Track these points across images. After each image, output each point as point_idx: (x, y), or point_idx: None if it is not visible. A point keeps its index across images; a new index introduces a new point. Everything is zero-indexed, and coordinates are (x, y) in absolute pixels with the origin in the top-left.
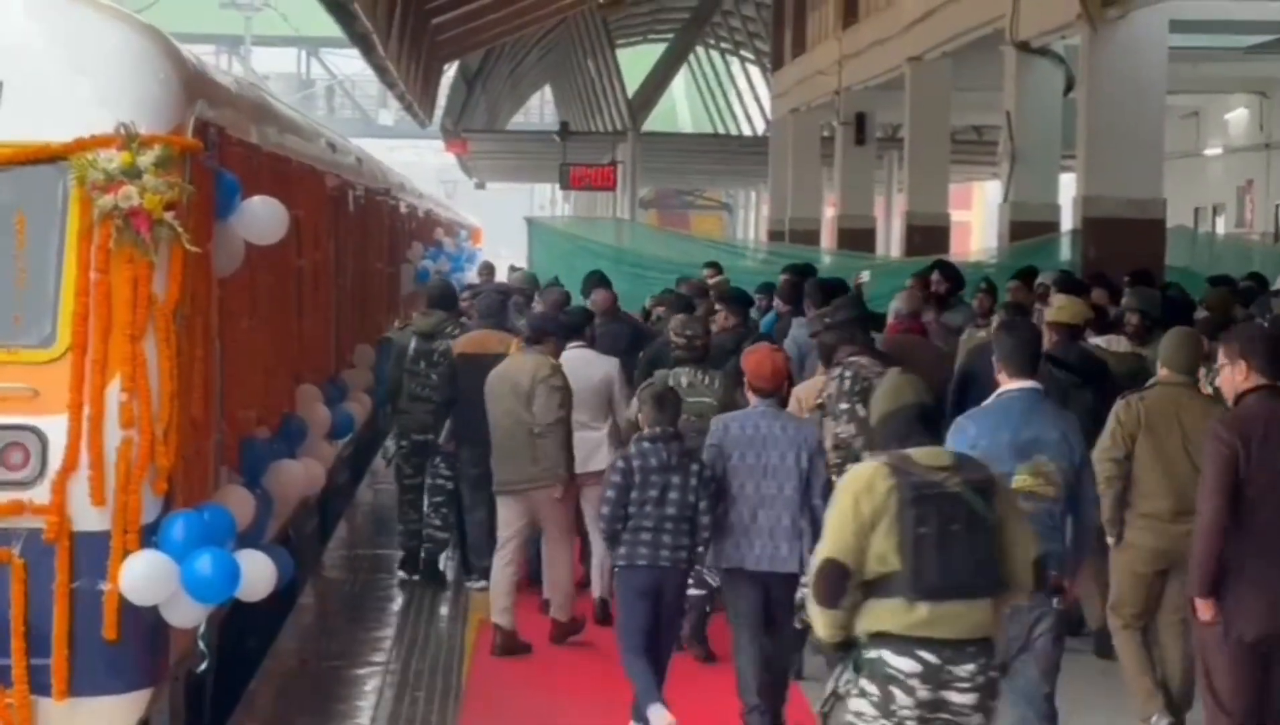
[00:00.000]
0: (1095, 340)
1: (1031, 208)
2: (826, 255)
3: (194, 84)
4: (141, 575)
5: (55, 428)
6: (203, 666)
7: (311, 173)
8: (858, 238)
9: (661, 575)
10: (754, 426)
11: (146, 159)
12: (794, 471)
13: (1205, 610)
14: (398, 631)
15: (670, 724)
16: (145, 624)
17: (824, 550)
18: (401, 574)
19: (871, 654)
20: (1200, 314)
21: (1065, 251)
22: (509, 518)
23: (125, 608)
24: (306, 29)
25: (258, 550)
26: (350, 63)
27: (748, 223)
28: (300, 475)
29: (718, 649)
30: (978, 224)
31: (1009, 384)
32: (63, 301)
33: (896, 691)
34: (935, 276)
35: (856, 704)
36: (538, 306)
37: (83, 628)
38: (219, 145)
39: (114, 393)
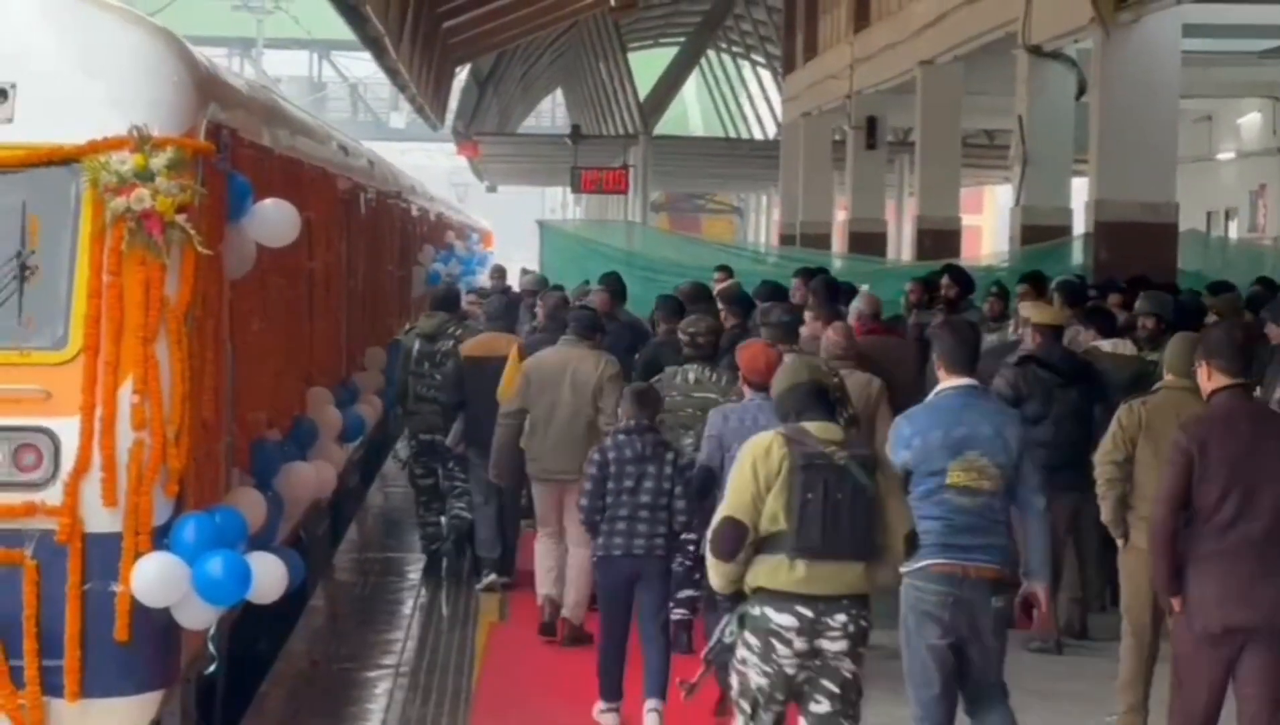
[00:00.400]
0: (1102, 344)
1: (1043, 212)
2: (837, 259)
3: (206, 86)
4: (153, 577)
5: (67, 429)
6: (211, 668)
7: (323, 175)
8: (869, 242)
9: (637, 563)
10: (751, 419)
11: (159, 161)
12: None
13: (1174, 604)
14: (408, 634)
15: (614, 719)
16: (157, 625)
17: (723, 509)
18: (413, 574)
19: (755, 610)
20: (1210, 319)
21: (1077, 256)
22: (552, 503)
23: (137, 609)
24: (318, 32)
25: (269, 552)
26: (362, 65)
27: (759, 227)
28: (311, 477)
29: None
30: (989, 228)
31: (946, 382)
32: (75, 303)
33: (776, 643)
34: (945, 280)
35: (741, 652)
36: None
37: (95, 629)
38: (231, 148)
39: (126, 394)
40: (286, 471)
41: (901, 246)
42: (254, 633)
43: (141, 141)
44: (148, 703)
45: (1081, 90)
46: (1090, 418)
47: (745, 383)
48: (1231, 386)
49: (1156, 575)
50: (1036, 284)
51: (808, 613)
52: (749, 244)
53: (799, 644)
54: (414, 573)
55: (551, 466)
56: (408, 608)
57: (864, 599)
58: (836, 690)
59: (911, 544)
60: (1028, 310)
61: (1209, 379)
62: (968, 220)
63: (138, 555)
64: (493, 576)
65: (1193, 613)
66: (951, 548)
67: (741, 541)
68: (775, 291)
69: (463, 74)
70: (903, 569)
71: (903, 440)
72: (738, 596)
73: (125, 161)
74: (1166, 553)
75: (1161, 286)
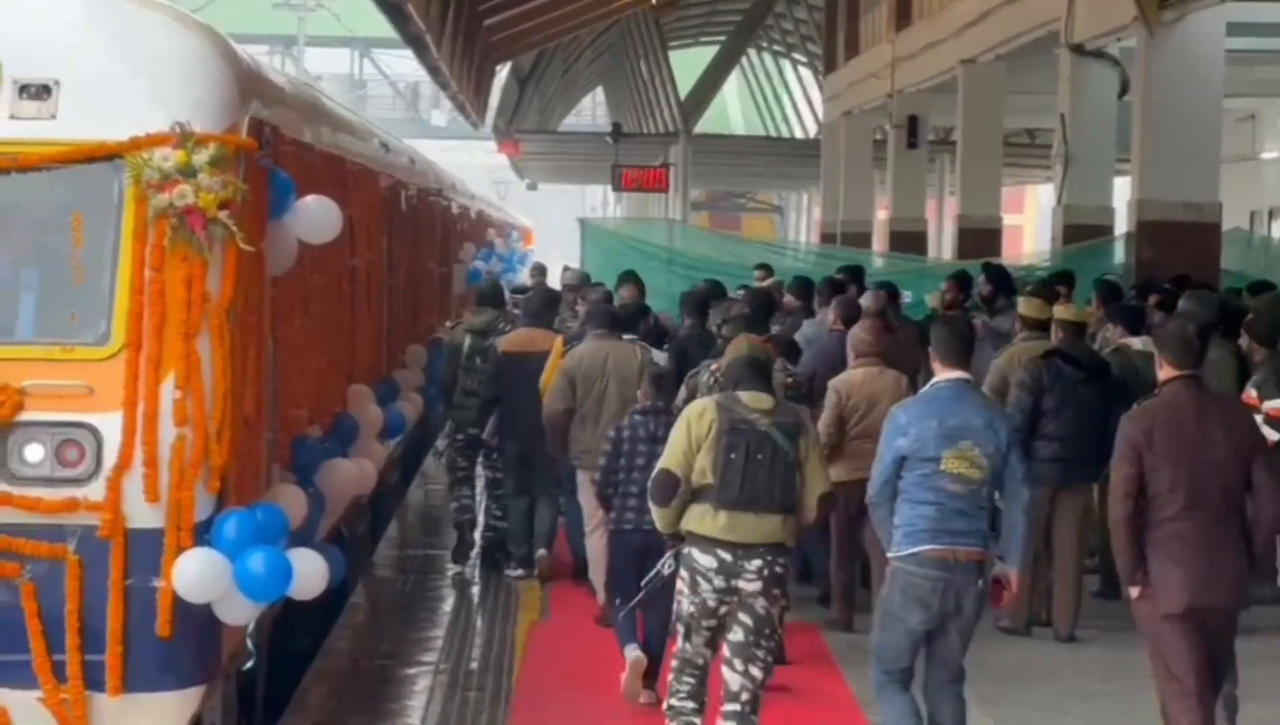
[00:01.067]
0: (1132, 342)
1: (1085, 211)
2: (878, 258)
3: (249, 83)
4: (194, 573)
5: (110, 425)
6: (250, 664)
7: (365, 172)
8: (909, 241)
9: (646, 538)
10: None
11: (201, 158)
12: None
13: (1133, 591)
14: (448, 631)
15: (638, 659)
16: (198, 621)
17: (661, 462)
18: (452, 567)
19: (686, 551)
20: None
21: (1119, 255)
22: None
23: (178, 605)
24: (360, 29)
25: (310, 549)
26: (403, 63)
27: (799, 225)
28: (352, 474)
29: None
30: (1030, 227)
31: (942, 374)
32: (118, 300)
33: (700, 580)
34: (981, 280)
35: (678, 584)
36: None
37: (136, 624)
38: (273, 144)
39: (168, 390)
40: (327, 468)
41: (942, 245)
42: (295, 629)
43: (184, 138)
44: (189, 698)
45: (1124, 89)
46: (1108, 413)
47: None
48: (1180, 377)
49: (1121, 565)
50: (1065, 283)
51: (726, 556)
52: (789, 243)
53: (718, 582)
54: (454, 570)
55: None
56: (448, 605)
57: (780, 547)
58: (750, 623)
59: (826, 504)
60: (1029, 308)
61: (1161, 370)
62: (1009, 220)
63: (179, 551)
64: (520, 571)
65: (1156, 596)
66: (943, 533)
67: (674, 490)
68: (805, 287)
69: (503, 72)
70: (892, 554)
71: (899, 429)
72: (677, 537)
73: (168, 158)
74: (1128, 542)
75: (1202, 286)
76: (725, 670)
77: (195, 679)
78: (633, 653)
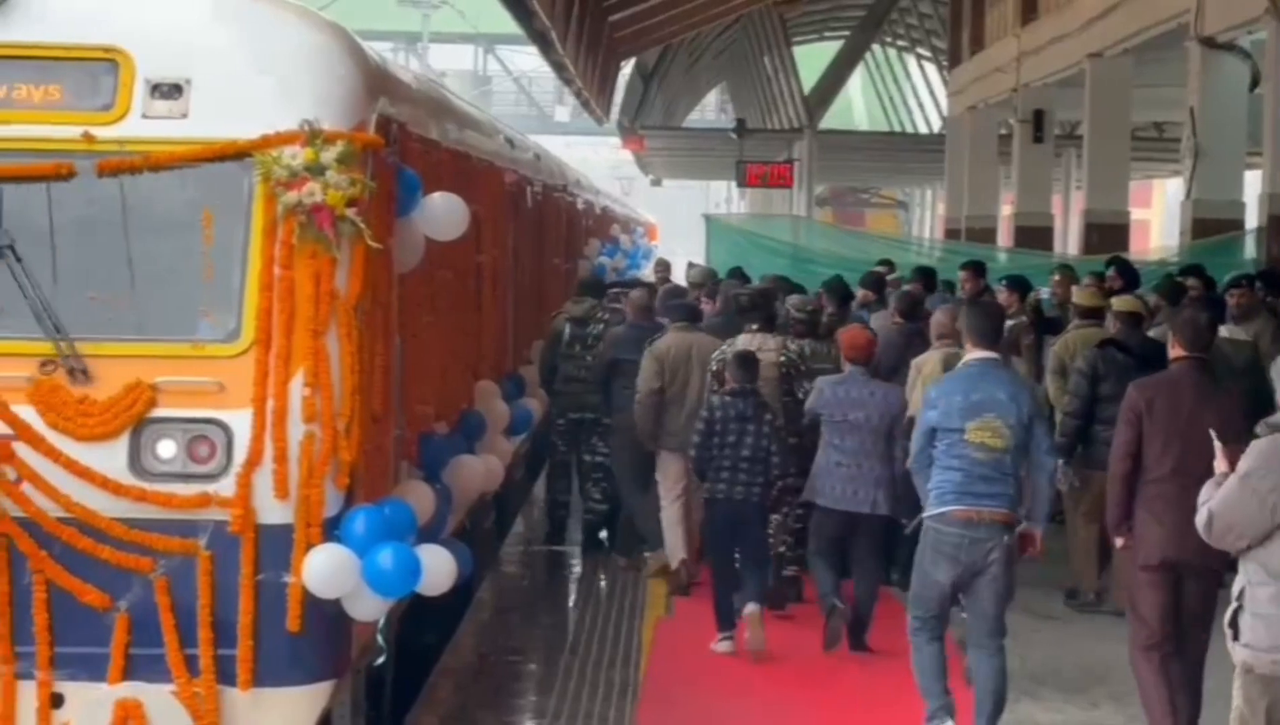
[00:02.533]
0: (1220, 330)
1: (1215, 205)
2: (1002, 253)
3: (376, 81)
4: (324, 568)
5: (240, 422)
6: (380, 660)
7: (490, 169)
8: (1035, 236)
9: (738, 506)
10: (845, 389)
11: (329, 155)
12: (879, 428)
13: (1118, 541)
14: (574, 627)
15: (729, 647)
16: (327, 617)
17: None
18: (540, 547)
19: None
20: None
21: (1250, 250)
22: (680, 473)
23: (308, 600)
24: (484, 26)
25: (437, 545)
26: (527, 59)
27: (923, 221)
28: (479, 471)
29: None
30: (1157, 222)
31: (971, 354)
32: (247, 297)
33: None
34: (1110, 273)
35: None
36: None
37: (267, 619)
38: (400, 141)
39: (297, 387)
40: (455, 464)
41: (1068, 240)
42: (422, 625)
43: (312, 136)
44: (319, 693)
45: (1255, 82)
46: None
47: (846, 359)
48: (1188, 359)
49: (1111, 517)
50: (1123, 272)
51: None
52: (913, 238)
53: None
54: (579, 566)
55: (688, 437)
56: (574, 600)
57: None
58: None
59: None
60: (1082, 296)
61: (1173, 349)
62: (1136, 214)
63: (309, 547)
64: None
65: (1137, 548)
66: (967, 495)
67: None
68: (878, 282)
69: (628, 68)
70: (925, 514)
71: (929, 403)
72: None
73: (296, 156)
74: (1120, 497)
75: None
76: None
77: (325, 674)
78: (724, 645)
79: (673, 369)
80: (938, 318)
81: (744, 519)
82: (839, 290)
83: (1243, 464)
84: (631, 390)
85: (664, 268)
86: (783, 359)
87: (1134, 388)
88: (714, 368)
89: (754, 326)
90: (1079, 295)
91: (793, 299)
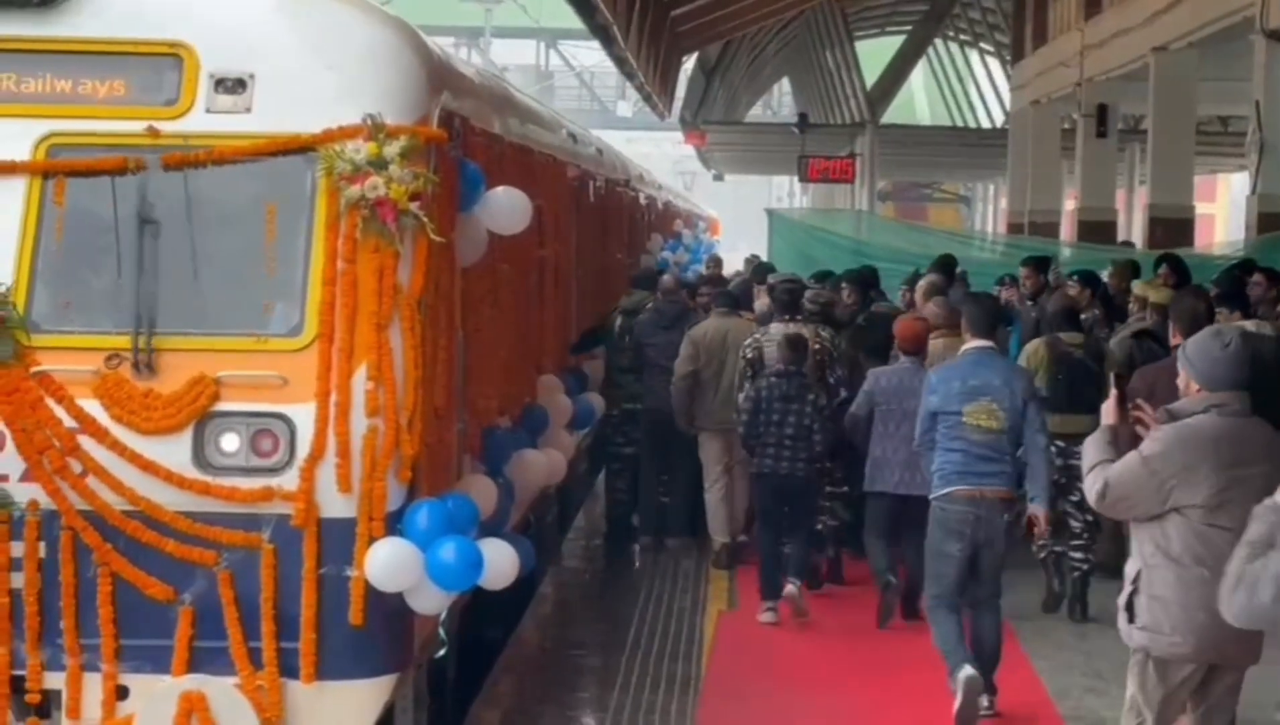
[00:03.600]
0: (1246, 324)
1: None
2: (1066, 248)
3: (438, 75)
4: (386, 562)
5: (303, 416)
6: (442, 653)
7: (553, 163)
8: (1098, 231)
9: (783, 480)
10: (898, 379)
11: (392, 150)
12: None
13: None
14: (637, 621)
15: (772, 617)
16: (390, 610)
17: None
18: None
19: None
20: None
21: None
22: (719, 453)
23: (371, 594)
24: (546, 20)
25: (500, 539)
26: (589, 54)
27: (986, 215)
28: (542, 465)
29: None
30: (1221, 217)
31: (970, 343)
32: (310, 291)
33: None
34: (1164, 270)
35: None
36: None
37: (330, 613)
38: (463, 136)
39: (360, 381)
40: (517, 459)
41: (1132, 235)
42: (485, 618)
43: (375, 130)
44: (382, 686)
45: None
46: None
47: (899, 350)
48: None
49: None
50: (1175, 268)
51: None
52: (976, 232)
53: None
54: (641, 560)
55: (723, 418)
56: (636, 595)
57: None
58: None
59: None
60: (1142, 290)
61: (1173, 337)
62: (1201, 208)
63: (371, 540)
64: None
65: None
66: (969, 474)
67: None
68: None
69: (689, 63)
70: (932, 495)
71: (930, 388)
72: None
73: (359, 150)
74: None
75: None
76: None
77: (388, 668)
78: (768, 615)
79: (709, 353)
80: (931, 310)
81: (790, 492)
82: (862, 280)
83: (1147, 445)
84: (655, 375)
85: (716, 263)
86: (817, 347)
87: (1138, 375)
88: (748, 355)
89: (786, 317)
90: (1152, 292)
91: (809, 292)
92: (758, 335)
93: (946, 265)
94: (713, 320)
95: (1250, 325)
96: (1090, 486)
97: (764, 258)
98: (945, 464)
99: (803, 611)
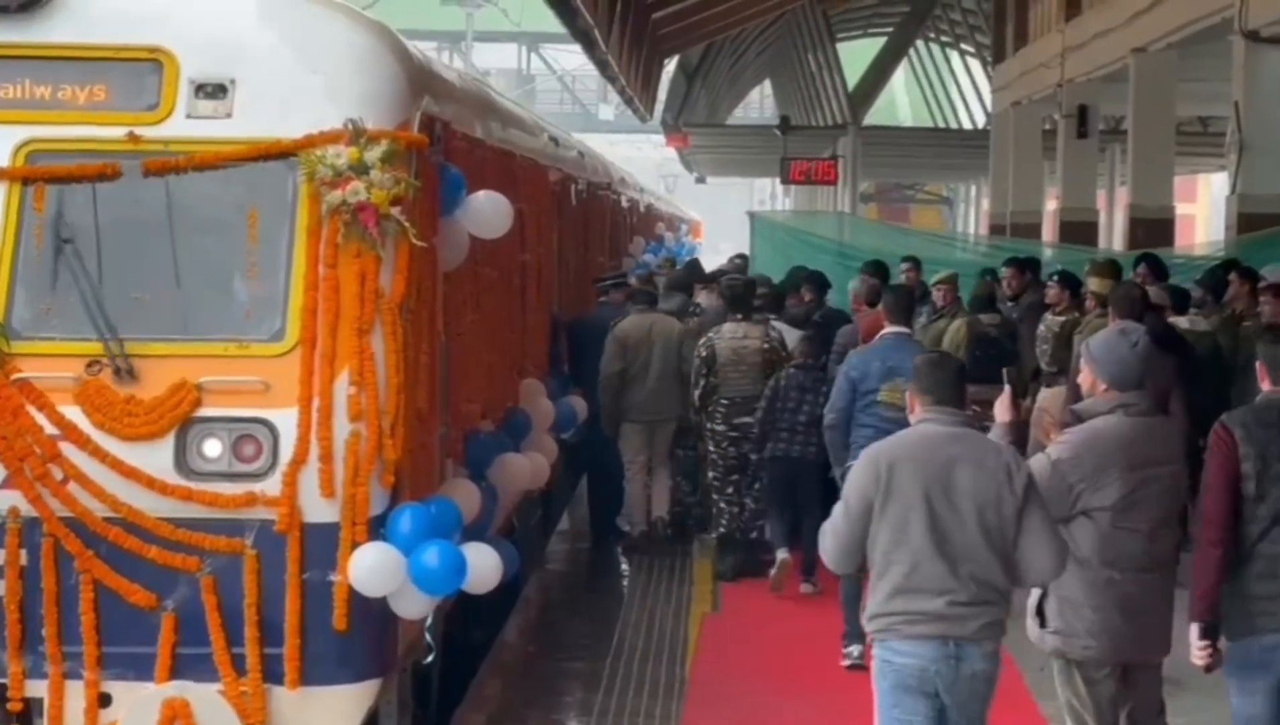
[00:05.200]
0: (1179, 321)
1: (1261, 200)
2: (1048, 248)
3: (420, 80)
4: (370, 567)
5: (285, 421)
6: (427, 658)
7: (534, 167)
8: (1079, 231)
9: (795, 463)
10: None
11: (373, 155)
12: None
13: None
14: (622, 625)
15: (785, 559)
16: (374, 615)
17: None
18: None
19: None
20: None
21: None
22: (641, 445)
23: (354, 599)
24: (528, 24)
25: (483, 543)
26: (571, 58)
27: (968, 217)
28: (525, 469)
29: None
30: (1202, 217)
31: (888, 328)
32: (292, 296)
33: None
34: (1140, 270)
35: None
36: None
37: (313, 618)
38: (444, 140)
39: (342, 386)
40: (500, 463)
41: (1113, 236)
42: (469, 623)
43: (356, 135)
44: (365, 691)
45: None
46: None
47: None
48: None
49: None
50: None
51: None
52: (958, 234)
53: None
54: (625, 563)
55: (650, 410)
56: (620, 598)
57: None
58: None
59: None
60: (1099, 286)
61: (1112, 321)
62: (1181, 209)
63: (355, 545)
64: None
65: None
66: None
67: None
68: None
69: (671, 66)
70: (847, 466)
71: (849, 367)
72: None
73: (340, 155)
74: None
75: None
76: None
77: (371, 672)
78: (782, 554)
79: (634, 349)
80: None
81: (799, 474)
82: (815, 279)
83: (1055, 449)
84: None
85: (671, 264)
86: (766, 346)
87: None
88: (702, 353)
89: (739, 316)
90: (1096, 284)
91: (758, 284)
92: (711, 335)
93: (879, 267)
94: (634, 317)
95: (1184, 322)
96: None
97: (746, 255)
98: (859, 438)
99: (779, 584)
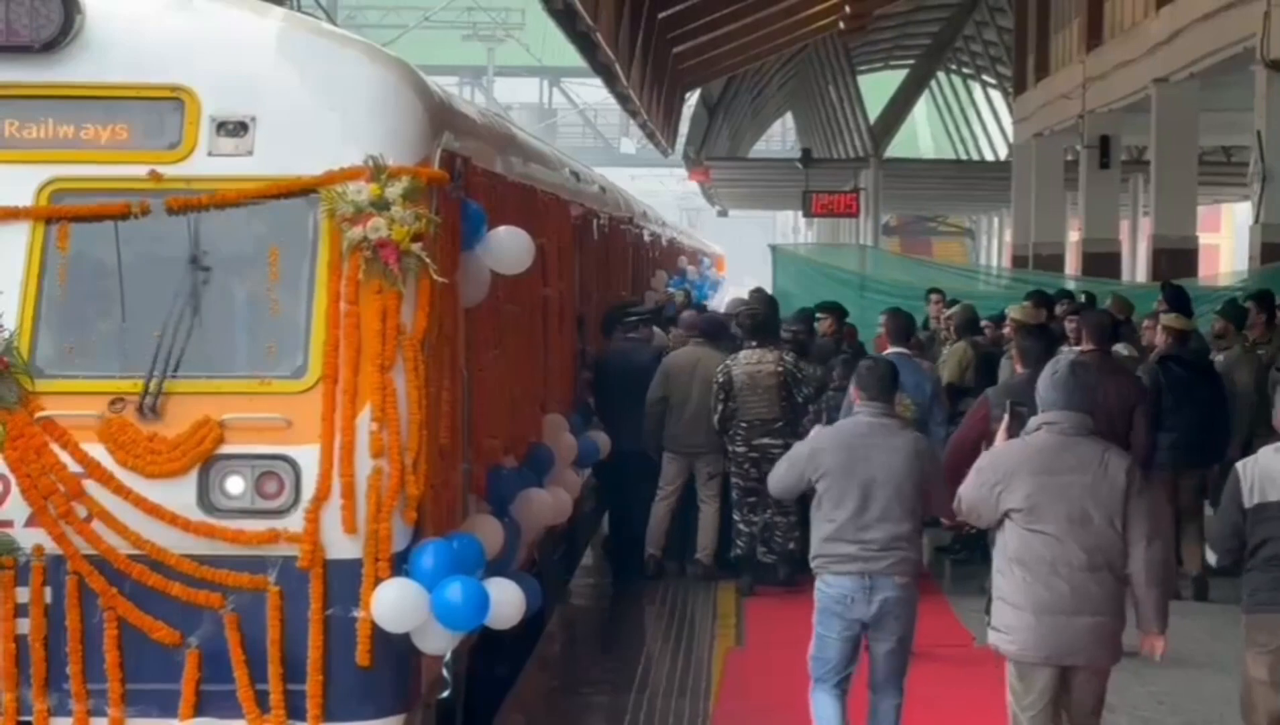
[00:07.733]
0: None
1: None
2: (1070, 280)
3: (440, 116)
4: (393, 603)
5: (308, 457)
6: (445, 693)
7: (556, 202)
8: (1102, 262)
9: None
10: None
11: (394, 191)
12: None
13: None
14: (644, 659)
15: None
16: (397, 651)
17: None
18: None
19: None
20: None
21: None
22: (676, 473)
23: (377, 635)
24: (549, 59)
25: (506, 578)
26: (593, 92)
27: (990, 248)
28: (548, 504)
29: None
30: (1226, 247)
31: (888, 349)
32: (314, 333)
33: None
34: (1158, 301)
35: None
36: None
37: (336, 654)
38: (465, 175)
39: (364, 423)
40: (523, 498)
41: (1136, 267)
42: (492, 658)
43: (377, 171)
44: None
45: None
46: (1216, 406)
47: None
48: (1094, 350)
49: None
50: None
51: None
52: (981, 266)
53: None
54: (649, 598)
55: (686, 442)
56: (644, 634)
57: None
58: None
59: None
60: (1166, 319)
61: (1084, 343)
62: (1205, 239)
63: (377, 581)
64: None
65: None
66: None
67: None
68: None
69: (692, 99)
70: None
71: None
72: None
73: (361, 191)
74: None
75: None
76: None
77: (394, 708)
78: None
79: (676, 380)
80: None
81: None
82: (832, 308)
83: (981, 459)
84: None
85: (686, 296)
86: (780, 369)
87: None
88: (719, 379)
89: (754, 343)
90: (1172, 321)
91: (784, 324)
92: (728, 362)
93: (836, 307)
94: (686, 349)
95: (1124, 348)
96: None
97: (769, 293)
98: None
99: (747, 586)
